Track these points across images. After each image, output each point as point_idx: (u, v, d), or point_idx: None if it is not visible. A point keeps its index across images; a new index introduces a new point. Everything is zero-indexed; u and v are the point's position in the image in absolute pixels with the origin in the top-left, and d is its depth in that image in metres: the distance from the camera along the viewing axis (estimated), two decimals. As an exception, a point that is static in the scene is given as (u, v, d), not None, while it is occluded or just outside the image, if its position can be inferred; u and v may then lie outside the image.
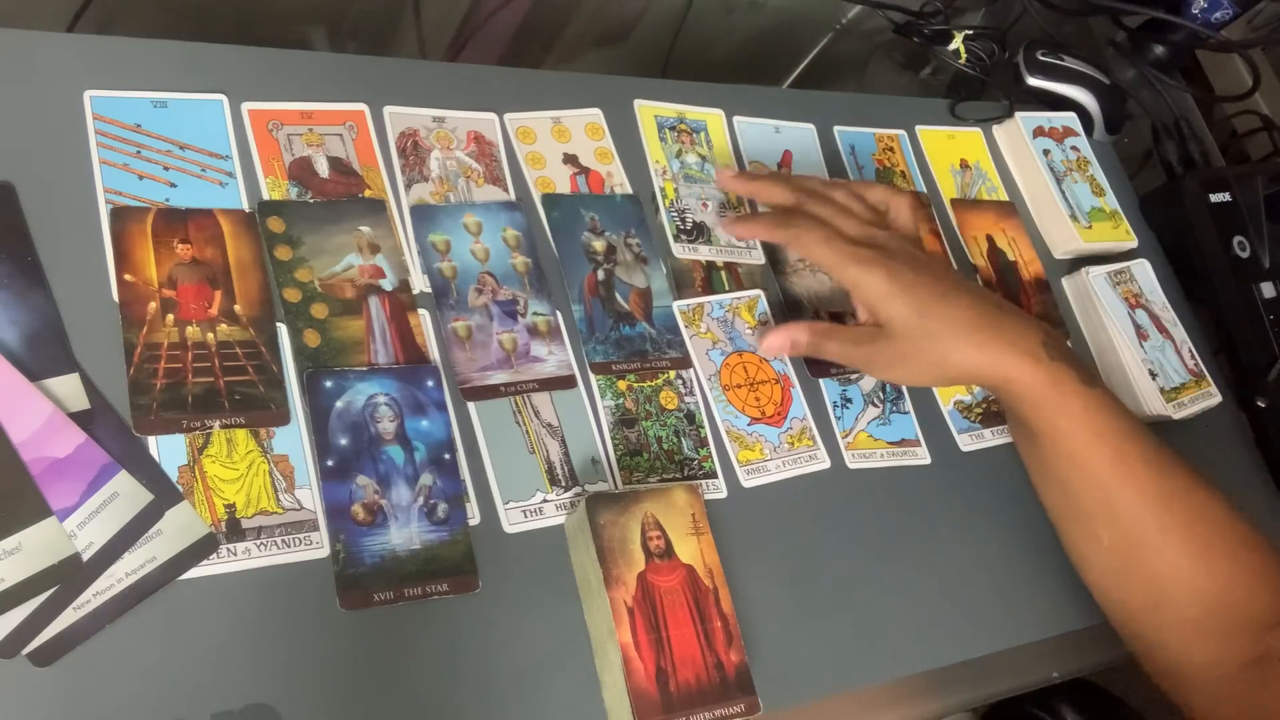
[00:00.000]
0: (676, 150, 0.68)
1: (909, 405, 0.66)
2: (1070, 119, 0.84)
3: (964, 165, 0.80)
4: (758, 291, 0.65)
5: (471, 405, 0.54)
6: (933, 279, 0.58)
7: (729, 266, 0.66)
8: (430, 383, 0.53)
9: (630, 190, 0.65)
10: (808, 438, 0.62)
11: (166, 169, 0.53)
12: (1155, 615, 0.58)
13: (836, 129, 0.75)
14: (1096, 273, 0.76)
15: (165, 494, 0.46)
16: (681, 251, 0.64)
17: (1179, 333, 0.76)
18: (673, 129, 0.69)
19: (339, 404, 0.51)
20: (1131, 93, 0.90)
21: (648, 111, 0.68)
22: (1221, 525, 0.58)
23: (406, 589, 0.48)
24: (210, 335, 0.50)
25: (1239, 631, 0.56)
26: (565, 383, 0.57)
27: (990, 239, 0.77)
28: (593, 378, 0.58)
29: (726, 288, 0.65)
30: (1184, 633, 0.57)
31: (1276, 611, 0.56)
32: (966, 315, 0.57)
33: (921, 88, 0.94)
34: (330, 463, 0.49)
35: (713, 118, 0.70)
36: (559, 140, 0.64)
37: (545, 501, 0.53)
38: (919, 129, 0.79)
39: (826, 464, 0.61)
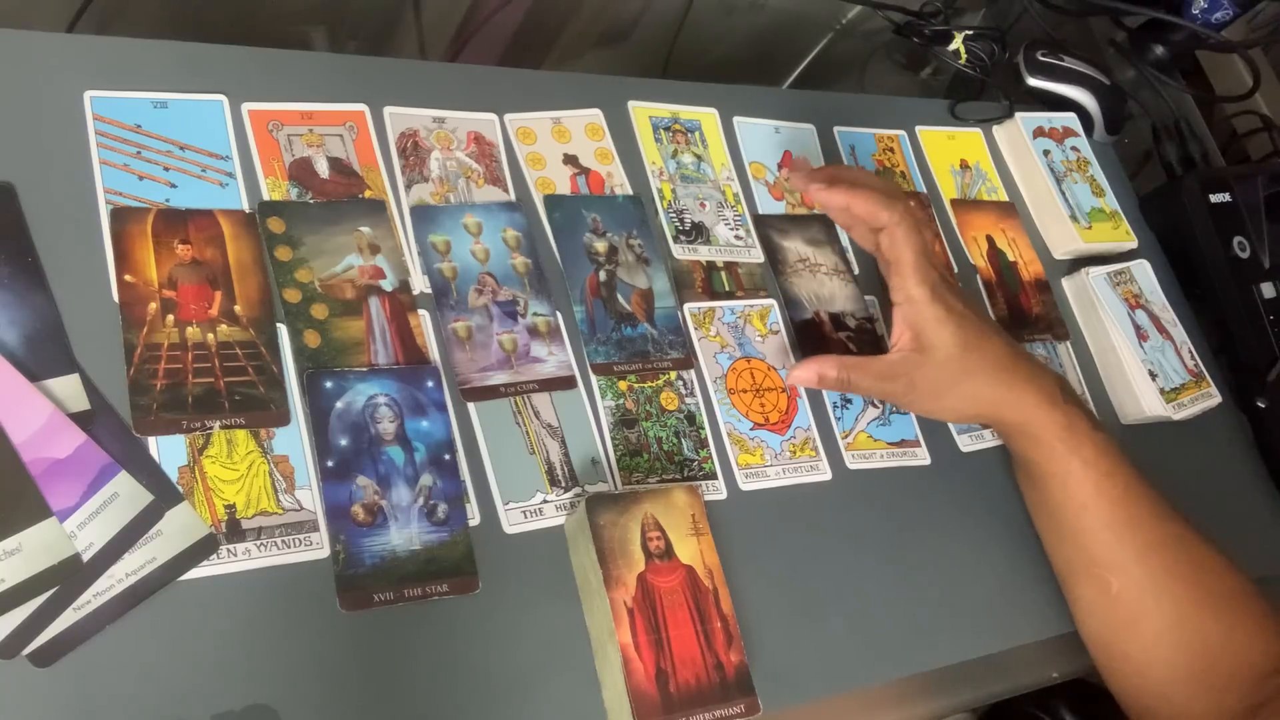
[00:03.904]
0: (672, 150, 0.68)
1: (909, 405, 0.66)
2: (1070, 119, 0.84)
3: (964, 166, 0.80)
4: (770, 301, 0.65)
5: (471, 406, 0.54)
6: (975, 314, 0.59)
7: (729, 267, 0.66)
8: (430, 383, 0.53)
9: (630, 190, 0.65)
10: (810, 448, 0.62)
11: (167, 169, 0.53)
12: (1162, 668, 0.57)
13: (836, 129, 0.75)
14: (1096, 273, 0.76)
15: (165, 494, 0.46)
16: (681, 253, 0.64)
17: (1179, 333, 0.76)
18: (667, 129, 0.69)
19: (339, 404, 0.51)
20: (1131, 93, 0.90)
21: (642, 113, 0.68)
22: (1220, 572, 0.59)
23: (406, 590, 0.48)
24: (210, 336, 0.50)
25: (1240, 680, 0.56)
26: (565, 383, 0.57)
27: (990, 239, 0.77)
28: (593, 378, 0.58)
29: (727, 288, 0.65)
30: (1189, 686, 0.57)
31: (1274, 659, 0.56)
32: (998, 355, 0.58)
33: (921, 88, 0.94)
34: (330, 463, 0.49)
35: (707, 117, 0.70)
36: (559, 141, 0.64)
37: (545, 502, 0.53)
38: (919, 129, 0.79)
39: (828, 476, 0.61)
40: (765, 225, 0.68)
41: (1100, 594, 0.59)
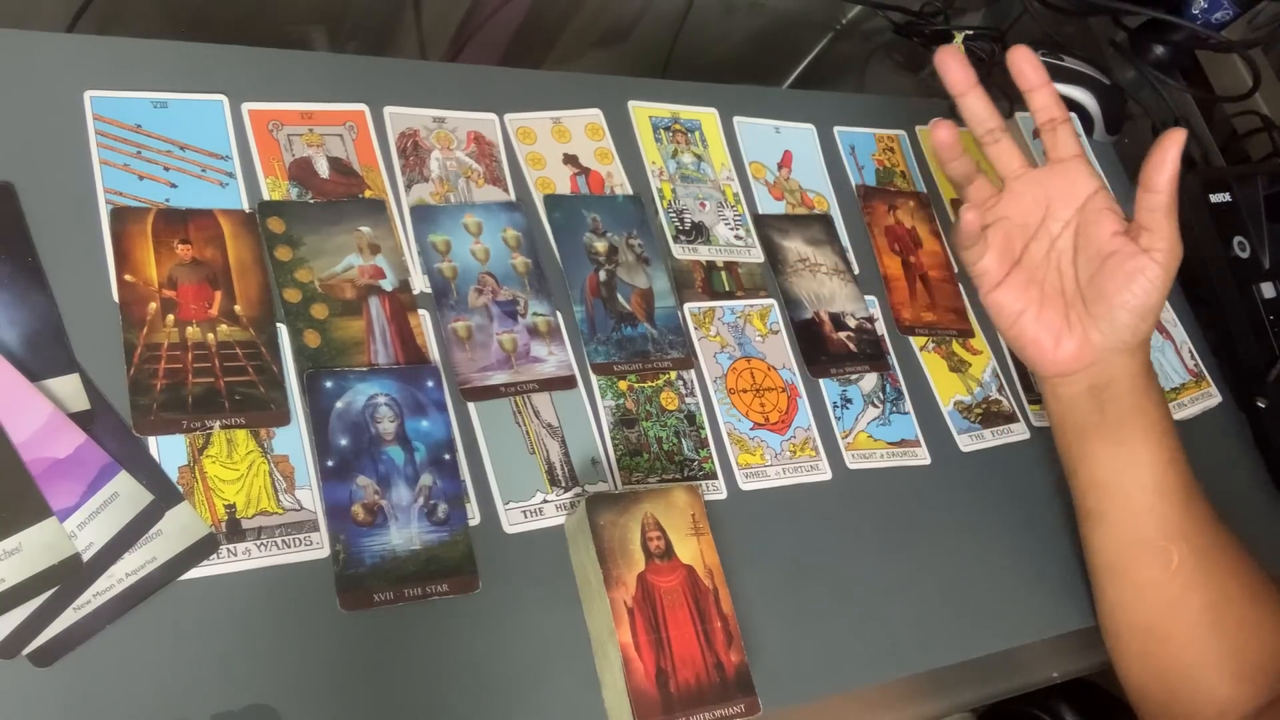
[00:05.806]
0: (672, 150, 0.68)
1: (909, 405, 0.66)
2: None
3: (964, 165, 0.79)
4: (770, 301, 0.65)
5: (471, 405, 0.54)
6: None
7: (729, 266, 0.66)
8: (430, 383, 0.53)
9: (630, 190, 0.65)
10: (810, 448, 0.62)
11: (167, 169, 0.53)
12: (1197, 649, 0.57)
13: (836, 129, 0.75)
14: (1096, 273, 0.75)
15: (165, 494, 0.46)
16: (681, 252, 0.64)
17: (1179, 333, 0.76)
18: (667, 129, 0.69)
19: (339, 404, 0.51)
20: (1131, 93, 0.90)
21: (642, 113, 0.68)
22: (1251, 559, 0.59)
23: (406, 589, 0.48)
24: (210, 335, 0.50)
25: (1262, 673, 0.56)
26: (565, 383, 0.57)
27: (990, 239, 0.76)
28: (593, 378, 0.58)
29: (727, 288, 0.65)
30: (1218, 670, 0.56)
31: None
32: None
33: (921, 88, 0.94)
34: (330, 463, 0.49)
35: (707, 116, 0.70)
36: (559, 140, 0.64)
37: (545, 502, 0.53)
38: (919, 129, 0.79)
39: (828, 476, 0.61)
40: (765, 225, 0.68)
41: (1161, 570, 0.57)
